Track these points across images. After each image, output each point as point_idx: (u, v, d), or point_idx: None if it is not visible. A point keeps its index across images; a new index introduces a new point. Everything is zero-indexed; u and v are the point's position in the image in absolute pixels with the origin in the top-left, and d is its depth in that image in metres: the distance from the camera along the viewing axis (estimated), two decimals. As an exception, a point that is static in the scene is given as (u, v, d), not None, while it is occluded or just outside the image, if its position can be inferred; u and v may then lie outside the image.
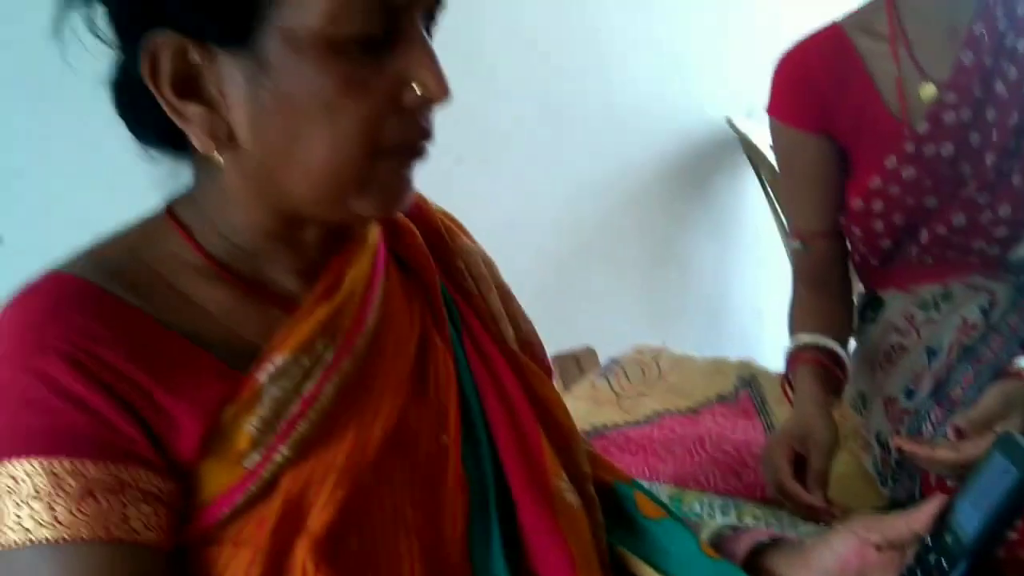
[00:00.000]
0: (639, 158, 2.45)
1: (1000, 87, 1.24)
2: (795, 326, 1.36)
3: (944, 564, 0.67)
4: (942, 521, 0.70)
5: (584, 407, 1.52)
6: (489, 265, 0.84)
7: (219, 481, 0.62)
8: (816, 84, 1.31)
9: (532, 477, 0.72)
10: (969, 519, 0.67)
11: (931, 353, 1.27)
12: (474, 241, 0.85)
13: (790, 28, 1.41)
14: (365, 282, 0.71)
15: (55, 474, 0.58)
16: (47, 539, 0.57)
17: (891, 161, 1.26)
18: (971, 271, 1.31)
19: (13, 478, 0.58)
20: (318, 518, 0.62)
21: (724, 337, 2.56)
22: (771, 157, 1.73)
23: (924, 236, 1.29)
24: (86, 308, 0.62)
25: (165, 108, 0.63)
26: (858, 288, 1.44)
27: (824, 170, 1.34)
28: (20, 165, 1.54)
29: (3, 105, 1.52)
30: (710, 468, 1.33)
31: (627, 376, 1.60)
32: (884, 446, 1.27)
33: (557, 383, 1.07)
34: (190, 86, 0.62)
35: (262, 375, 0.64)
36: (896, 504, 1.24)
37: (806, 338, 1.31)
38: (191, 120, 0.63)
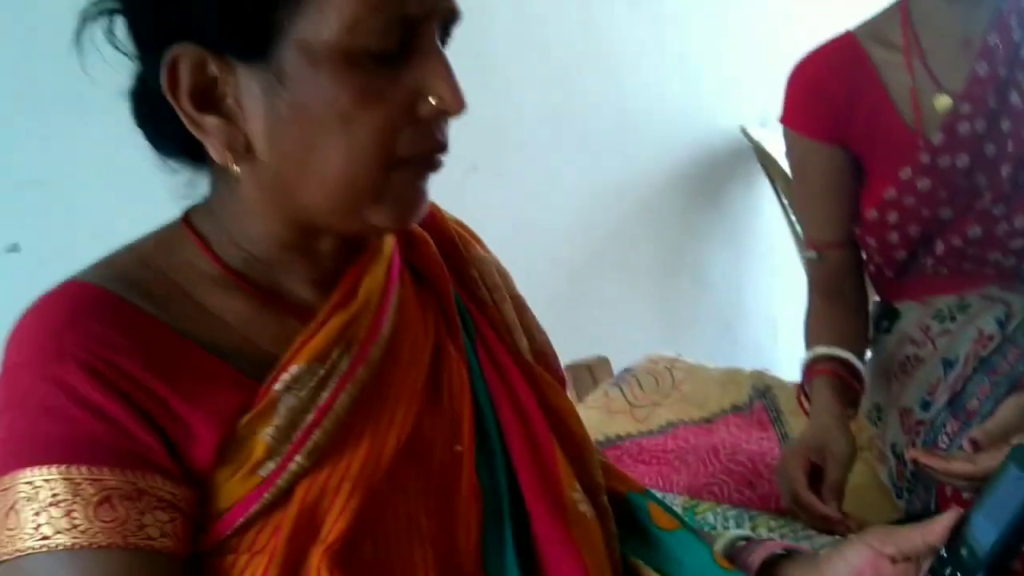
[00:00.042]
0: (653, 167, 2.45)
1: (1015, 98, 1.24)
2: (811, 337, 1.36)
3: (960, 577, 0.67)
4: (957, 534, 0.69)
5: (597, 417, 1.52)
6: (504, 275, 0.84)
7: (235, 490, 0.63)
8: (830, 94, 1.31)
9: (546, 487, 0.72)
10: (985, 532, 0.66)
11: (947, 364, 1.26)
12: (488, 251, 0.85)
13: (804, 37, 1.40)
14: (380, 292, 0.71)
15: (73, 481, 0.58)
16: (65, 545, 0.58)
17: (906, 172, 1.25)
18: (987, 282, 1.30)
19: (32, 485, 0.59)
20: (333, 527, 0.63)
21: (738, 347, 2.55)
22: (785, 166, 1.72)
23: (939, 247, 1.28)
24: (104, 317, 0.62)
25: (183, 119, 0.63)
26: (873, 298, 1.43)
27: (838, 180, 1.33)
28: (38, 174, 1.55)
29: (21, 115, 1.53)
30: (724, 479, 1.32)
31: (640, 386, 1.59)
32: (899, 458, 1.27)
33: (571, 394, 1.07)
34: (208, 98, 0.63)
35: (278, 384, 0.64)
36: (911, 516, 1.23)
37: (822, 349, 1.31)
38: (209, 131, 0.63)
